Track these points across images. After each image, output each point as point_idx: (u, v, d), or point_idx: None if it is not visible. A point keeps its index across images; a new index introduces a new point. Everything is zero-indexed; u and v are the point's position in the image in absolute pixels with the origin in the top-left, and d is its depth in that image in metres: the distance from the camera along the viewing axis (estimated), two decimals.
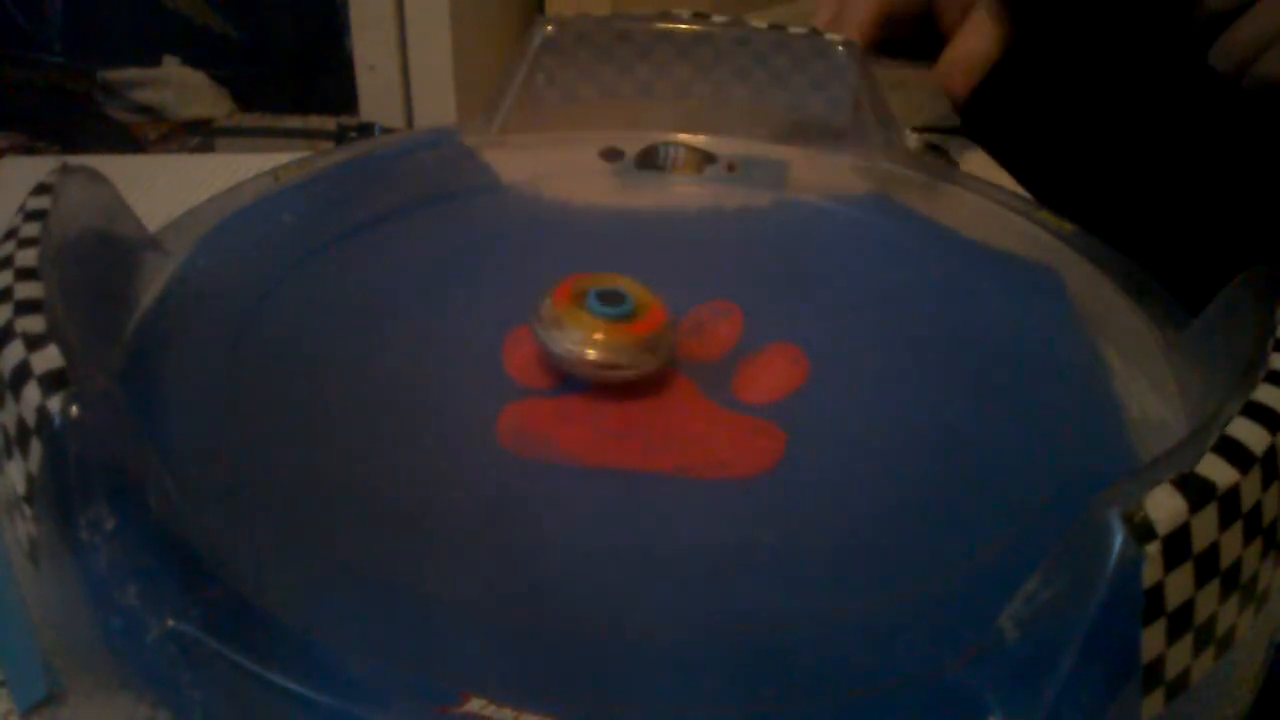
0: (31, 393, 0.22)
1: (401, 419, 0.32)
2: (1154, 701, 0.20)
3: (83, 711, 0.23)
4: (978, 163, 0.57)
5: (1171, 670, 0.20)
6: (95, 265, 0.32)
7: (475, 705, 0.21)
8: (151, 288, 0.34)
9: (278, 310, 0.35)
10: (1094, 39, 0.68)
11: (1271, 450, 0.21)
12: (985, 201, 0.44)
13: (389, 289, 0.37)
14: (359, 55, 0.93)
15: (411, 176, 0.44)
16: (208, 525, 0.24)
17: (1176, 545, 0.19)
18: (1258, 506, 0.21)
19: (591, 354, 0.32)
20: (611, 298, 0.33)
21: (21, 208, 0.29)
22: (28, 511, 0.22)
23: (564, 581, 0.26)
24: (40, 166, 0.32)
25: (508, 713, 0.21)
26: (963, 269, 0.40)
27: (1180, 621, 0.20)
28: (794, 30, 0.47)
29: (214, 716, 0.21)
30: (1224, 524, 0.20)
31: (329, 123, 0.98)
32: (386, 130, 0.48)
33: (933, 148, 0.47)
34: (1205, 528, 0.20)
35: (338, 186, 0.42)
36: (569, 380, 0.33)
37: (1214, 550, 0.20)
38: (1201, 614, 0.20)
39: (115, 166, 0.35)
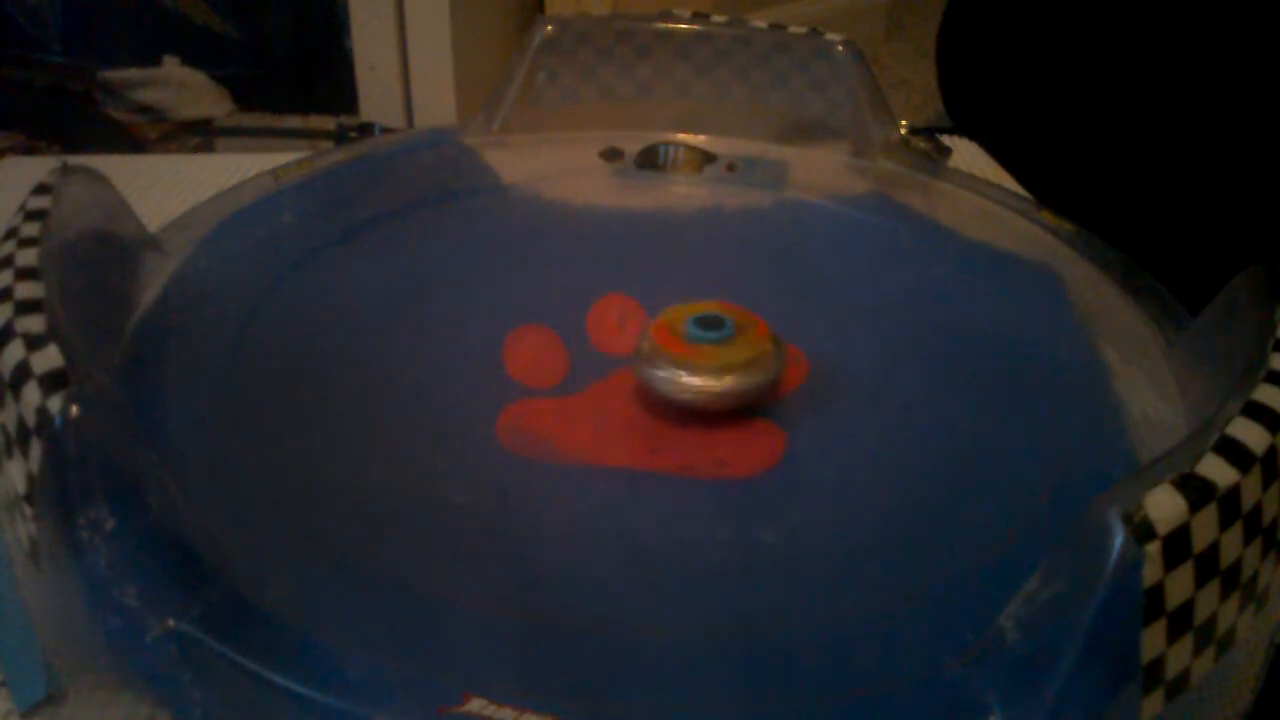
0: (31, 393, 0.22)
1: (402, 419, 0.32)
2: (1154, 701, 0.20)
3: (83, 711, 0.23)
4: (978, 163, 0.57)
5: (1171, 670, 0.20)
6: (95, 265, 0.32)
7: (475, 705, 0.21)
8: (151, 288, 0.34)
9: (278, 310, 0.35)
10: (1095, 37, 0.68)
11: (1271, 450, 0.21)
12: (985, 201, 0.44)
13: (389, 289, 0.37)
14: (359, 55, 0.93)
15: (412, 176, 0.44)
16: (208, 525, 0.24)
17: (1176, 545, 0.19)
18: (1258, 506, 0.21)
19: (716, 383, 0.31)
20: (710, 323, 0.32)
21: (21, 208, 0.29)
22: (28, 511, 0.22)
23: (564, 581, 0.26)
24: (40, 166, 0.32)
25: (508, 713, 0.21)
26: (963, 269, 0.40)
27: (1180, 621, 0.20)
28: (794, 30, 0.47)
29: (214, 716, 0.21)
30: (1224, 524, 0.20)
31: (329, 123, 0.98)
32: (386, 130, 0.48)
33: (935, 143, 0.47)
34: (1205, 528, 0.20)
35: (338, 186, 0.42)
36: (569, 380, 0.33)
37: (1214, 550, 0.20)
38: (1202, 614, 0.20)
39: (115, 166, 0.35)
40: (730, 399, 0.31)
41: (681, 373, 0.31)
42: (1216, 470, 0.20)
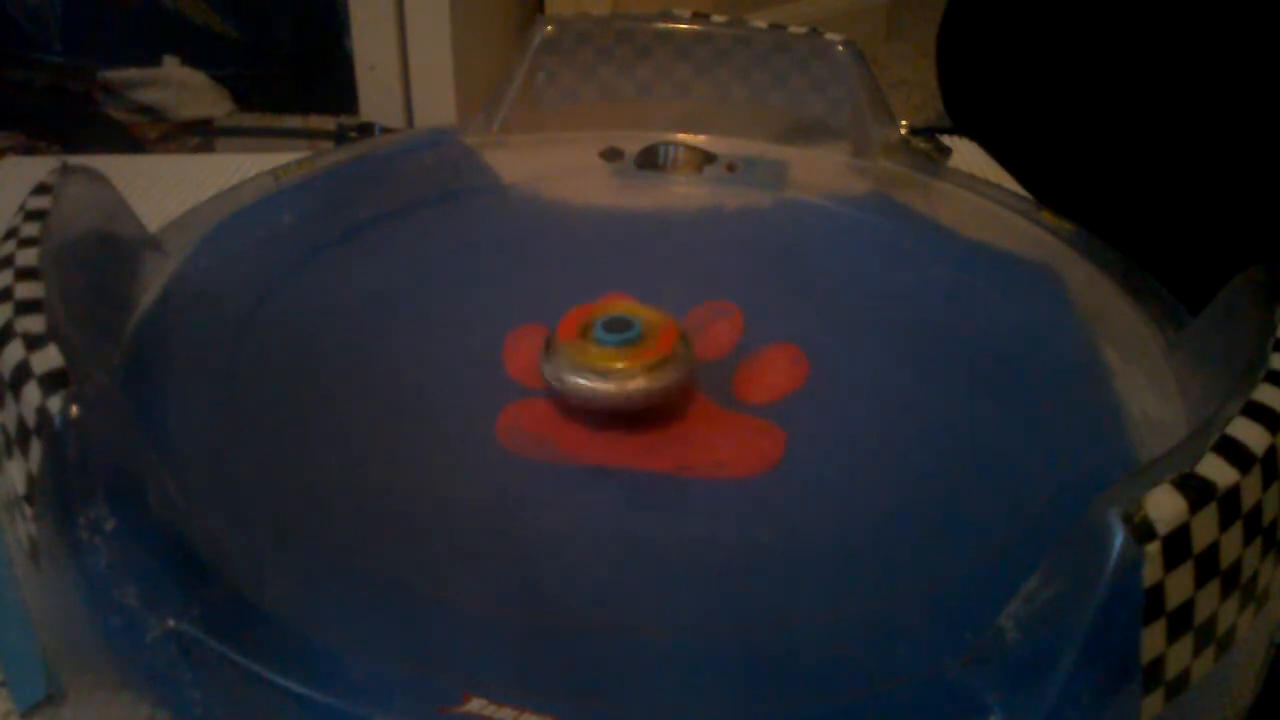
0: (31, 393, 0.22)
1: (401, 419, 0.32)
2: (1154, 701, 0.20)
3: (83, 711, 0.23)
4: (978, 163, 0.57)
5: (1171, 670, 0.20)
6: (95, 265, 0.32)
7: (475, 705, 0.21)
8: (151, 288, 0.34)
9: (278, 310, 0.35)
10: (1095, 37, 0.68)
11: (1271, 450, 0.21)
12: (985, 201, 0.44)
13: (389, 289, 0.37)
14: (359, 55, 0.93)
15: (412, 176, 0.44)
16: (208, 525, 0.24)
17: (1176, 545, 0.19)
18: (1258, 506, 0.21)
19: (608, 385, 0.31)
20: (617, 325, 0.32)
21: (21, 208, 0.29)
22: (28, 511, 0.22)
23: (564, 581, 0.26)
24: (40, 166, 0.32)
25: (508, 713, 0.21)
26: (963, 269, 0.40)
27: (1180, 621, 0.20)
28: (794, 30, 0.47)
29: (214, 716, 0.21)
30: (1224, 524, 0.20)
31: (329, 123, 0.98)
32: (386, 130, 0.48)
33: (935, 143, 0.47)
34: (1205, 528, 0.20)
35: (338, 186, 0.42)
36: None
37: (1214, 550, 0.20)
38: (1201, 614, 0.20)
39: (115, 166, 0.35)
40: (622, 400, 0.31)
41: (575, 374, 0.31)
42: (1216, 470, 0.20)
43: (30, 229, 0.27)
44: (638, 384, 0.31)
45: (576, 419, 0.32)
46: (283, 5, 1.01)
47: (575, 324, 0.32)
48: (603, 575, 0.27)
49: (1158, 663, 0.20)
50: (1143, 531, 0.19)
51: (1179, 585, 0.20)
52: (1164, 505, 0.19)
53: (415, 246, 0.40)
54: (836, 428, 0.32)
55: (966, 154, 0.58)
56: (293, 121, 1.01)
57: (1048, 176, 0.55)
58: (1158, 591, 0.19)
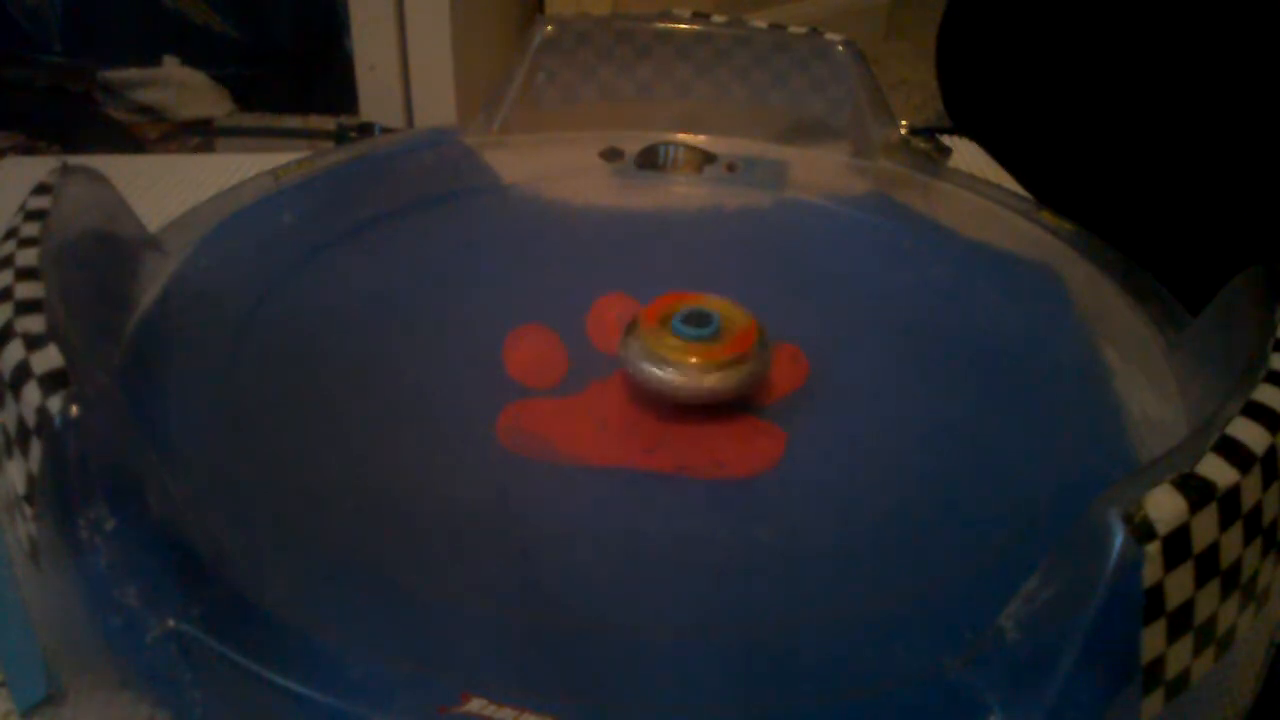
0: (31, 393, 0.22)
1: (401, 418, 0.32)
2: (1154, 701, 0.20)
3: (83, 711, 0.23)
4: (978, 163, 0.57)
5: (1171, 670, 0.20)
6: (95, 265, 0.32)
7: (475, 705, 0.21)
8: (151, 288, 0.34)
9: (278, 310, 0.35)
10: (1095, 37, 0.68)
11: (1271, 450, 0.21)
12: (985, 201, 0.44)
13: (389, 289, 0.37)
14: (359, 55, 0.93)
15: (412, 176, 0.44)
16: (208, 525, 0.24)
17: (1176, 545, 0.19)
18: (1258, 506, 0.21)
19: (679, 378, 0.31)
20: (697, 319, 0.32)
21: (21, 208, 0.29)
22: (28, 511, 0.22)
23: (564, 581, 0.26)
24: (40, 166, 0.32)
25: (508, 713, 0.21)
26: (963, 269, 0.40)
27: (1180, 621, 0.20)
28: (794, 30, 0.47)
29: (214, 716, 0.21)
30: (1224, 524, 0.20)
31: (329, 123, 0.98)
32: (386, 130, 0.48)
33: (935, 143, 0.47)
34: (1205, 528, 0.20)
35: (338, 186, 0.42)
36: (569, 380, 0.33)
37: (1214, 550, 0.20)
38: (1201, 614, 0.20)
39: (115, 166, 0.35)
40: (705, 396, 0.31)
41: (657, 366, 0.31)
42: (1216, 470, 0.20)
43: (30, 229, 0.27)
44: (714, 380, 0.31)
45: (576, 419, 0.32)
46: (283, 5, 1.01)
47: (657, 312, 0.33)
48: (603, 575, 0.27)
49: (1158, 663, 0.20)
50: (1143, 531, 0.19)
51: (1179, 585, 0.20)
52: (1164, 505, 0.19)
53: (415, 246, 0.40)
54: (836, 428, 0.32)
55: (966, 154, 0.58)
56: (293, 121, 1.01)
57: (1048, 176, 0.55)
58: (1158, 591, 0.19)
